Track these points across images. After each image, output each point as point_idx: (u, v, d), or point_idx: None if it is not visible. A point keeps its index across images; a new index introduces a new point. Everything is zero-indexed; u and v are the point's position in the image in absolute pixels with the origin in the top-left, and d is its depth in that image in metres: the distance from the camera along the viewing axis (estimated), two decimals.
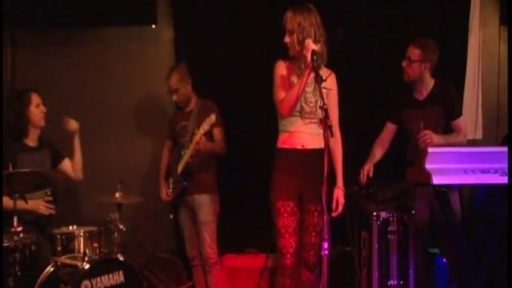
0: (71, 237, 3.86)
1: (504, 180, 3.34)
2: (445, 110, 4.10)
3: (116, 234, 3.96)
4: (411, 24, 4.67)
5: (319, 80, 3.24)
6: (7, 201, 3.64)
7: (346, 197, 3.65)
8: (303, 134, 3.57)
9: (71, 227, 3.99)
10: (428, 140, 3.86)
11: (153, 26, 4.99)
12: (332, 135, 3.15)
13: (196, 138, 4.06)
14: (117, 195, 4.04)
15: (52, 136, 4.26)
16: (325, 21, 3.55)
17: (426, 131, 3.90)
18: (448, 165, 3.39)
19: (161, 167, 4.58)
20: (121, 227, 3.96)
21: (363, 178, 4.20)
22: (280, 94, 3.55)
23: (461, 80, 4.62)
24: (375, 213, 3.99)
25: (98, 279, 3.64)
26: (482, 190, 4.14)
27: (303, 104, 3.53)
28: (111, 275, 3.70)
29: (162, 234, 4.96)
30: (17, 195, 3.59)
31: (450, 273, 4.05)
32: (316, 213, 3.57)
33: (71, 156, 4.21)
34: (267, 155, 3.74)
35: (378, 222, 3.98)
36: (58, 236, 3.84)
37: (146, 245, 4.90)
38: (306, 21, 3.46)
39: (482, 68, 4.68)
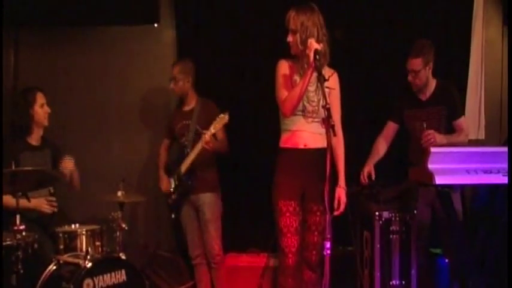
0: (73, 236, 3.87)
1: (506, 180, 3.33)
2: (447, 110, 4.11)
3: (118, 233, 3.96)
4: (414, 24, 4.67)
5: (321, 79, 3.24)
6: (10, 200, 3.64)
7: (348, 196, 3.65)
8: (306, 133, 3.57)
9: (73, 226, 4.00)
10: (432, 140, 3.86)
11: (156, 25, 4.99)
12: (335, 135, 3.15)
13: (207, 137, 4.06)
14: (119, 194, 4.04)
15: (53, 135, 4.27)
16: (328, 20, 3.55)
17: (429, 131, 3.90)
18: (450, 165, 3.39)
19: (159, 164, 4.57)
20: (123, 225, 3.96)
21: (364, 179, 4.20)
22: (283, 93, 3.55)
23: (464, 80, 4.63)
24: (377, 213, 3.98)
25: (100, 277, 3.64)
26: (484, 190, 4.13)
27: (305, 103, 3.53)
28: (113, 274, 3.70)
29: (164, 233, 4.97)
30: (20, 193, 3.59)
31: (452, 273, 4.05)
32: (318, 213, 3.57)
33: (71, 182, 4.20)
34: (269, 154, 3.73)
35: (380, 222, 3.98)
36: (60, 235, 3.85)
37: (148, 243, 4.91)
38: (309, 21, 3.46)
39: (485, 68, 4.68)
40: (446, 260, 4.10)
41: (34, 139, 4.09)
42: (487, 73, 4.69)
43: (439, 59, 4.16)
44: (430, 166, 3.38)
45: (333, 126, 3.11)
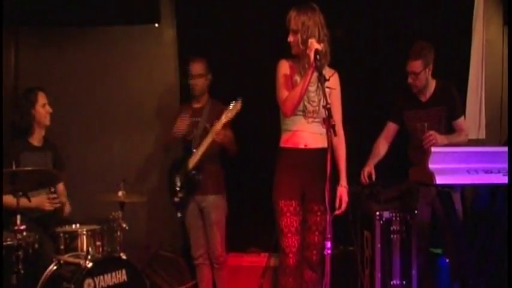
0: (74, 236, 3.87)
1: (507, 180, 3.33)
2: (447, 111, 4.11)
3: (118, 233, 3.95)
4: (414, 23, 4.67)
5: (322, 79, 3.25)
6: (11, 200, 3.64)
7: (350, 195, 3.65)
8: (306, 133, 3.57)
9: (74, 226, 4.00)
10: (434, 141, 3.86)
11: (156, 25, 4.99)
12: (335, 135, 3.15)
13: (218, 127, 4.05)
14: (120, 193, 4.04)
15: (54, 135, 4.27)
16: (328, 20, 3.55)
17: (431, 132, 3.91)
18: (450, 165, 3.40)
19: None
20: (124, 225, 3.95)
21: (365, 179, 4.20)
22: (283, 93, 3.55)
23: (464, 79, 4.63)
24: (377, 213, 3.98)
25: (101, 277, 3.64)
26: (484, 190, 4.13)
27: (306, 103, 3.53)
28: (113, 274, 3.70)
29: (165, 233, 4.97)
30: (20, 193, 3.59)
31: (453, 273, 4.04)
32: (319, 213, 3.57)
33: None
34: (270, 154, 3.73)
35: (381, 222, 3.98)
36: (61, 235, 3.85)
37: (149, 243, 4.91)
38: (310, 21, 3.46)
39: (486, 67, 4.68)
40: (447, 260, 4.10)
41: (36, 139, 4.09)
42: (488, 72, 4.69)
43: (439, 58, 4.16)
44: (431, 166, 3.39)
45: (333, 126, 3.11)
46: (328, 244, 3.10)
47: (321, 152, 3.39)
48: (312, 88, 3.53)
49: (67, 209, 4.15)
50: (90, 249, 3.75)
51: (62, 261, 3.73)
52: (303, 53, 3.45)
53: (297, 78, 3.55)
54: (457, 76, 4.59)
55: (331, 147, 3.15)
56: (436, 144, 3.81)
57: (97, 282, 3.62)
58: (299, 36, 3.48)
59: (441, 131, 4.04)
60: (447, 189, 3.84)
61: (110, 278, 3.68)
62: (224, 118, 4.05)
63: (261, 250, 4.54)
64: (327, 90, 3.31)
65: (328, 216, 3.14)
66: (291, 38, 3.53)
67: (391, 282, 3.98)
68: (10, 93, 4.89)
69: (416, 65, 4.03)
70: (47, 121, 4.10)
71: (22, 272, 3.47)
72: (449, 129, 4.13)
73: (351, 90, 3.82)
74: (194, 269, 4.55)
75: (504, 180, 3.35)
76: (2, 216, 3.65)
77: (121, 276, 3.73)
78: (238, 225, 4.65)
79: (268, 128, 3.93)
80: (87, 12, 4.89)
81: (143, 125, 5.07)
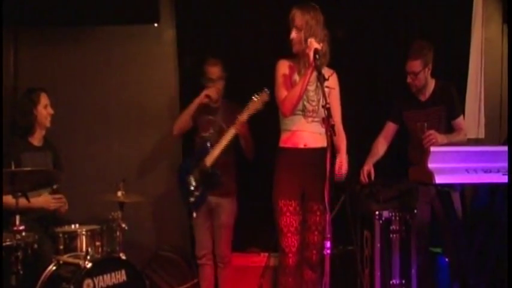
0: (73, 236, 3.87)
1: (506, 179, 3.33)
2: (446, 110, 4.11)
3: (118, 233, 3.95)
4: (413, 23, 4.66)
5: (321, 78, 3.25)
6: (10, 200, 3.64)
7: (348, 195, 3.65)
8: (305, 132, 3.57)
9: (73, 226, 4.00)
10: (434, 140, 3.86)
11: (156, 25, 4.99)
12: (334, 134, 3.15)
13: (242, 119, 3.99)
14: (120, 194, 4.03)
15: (54, 135, 4.27)
16: (328, 20, 3.55)
17: (431, 131, 3.91)
18: (450, 165, 3.39)
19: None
20: (123, 225, 3.95)
21: (364, 178, 4.20)
22: (282, 93, 3.55)
23: (463, 78, 4.62)
24: (377, 213, 3.99)
25: (100, 278, 3.64)
26: (484, 189, 4.13)
27: (305, 102, 3.54)
28: (113, 274, 3.70)
29: (165, 233, 4.96)
30: (19, 193, 3.59)
31: (452, 272, 4.04)
32: (318, 212, 3.57)
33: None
34: (269, 154, 3.73)
35: (380, 222, 3.99)
36: (60, 235, 3.85)
37: (148, 243, 4.91)
38: (313, 20, 3.48)
39: (485, 66, 4.67)
40: (447, 259, 4.10)
41: (36, 139, 4.09)
42: (487, 71, 4.68)
43: (438, 57, 4.16)
44: (430, 165, 3.38)
45: (333, 126, 3.11)
46: (328, 244, 3.10)
47: (321, 151, 3.39)
48: (311, 88, 3.53)
49: (64, 208, 4.15)
50: (89, 249, 3.75)
51: (61, 262, 3.73)
52: (304, 51, 3.45)
53: (296, 78, 3.56)
54: (457, 75, 4.58)
55: (330, 147, 3.15)
56: (436, 144, 3.81)
57: (96, 283, 3.61)
58: (302, 34, 3.47)
59: (441, 131, 4.03)
60: (447, 189, 3.83)
61: (109, 278, 3.68)
62: (251, 109, 3.99)
63: (261, 250, 4.54)
64: (326, 89, 3.32)
65: (327, 216, 3.14)
66: (294, 35, 3.52)
67: (391, 282, 3.99)
68: (10, 93, 4.88)
69: (415, 65, 4.03)
70: (47, 122, 4.10)
71: (21, 272, 3.47)
72: (448, 128, 4.13)
73: (350, 90, 3.82)
74: (194, 269, 4.54)
75: (503, 179, 3.35)
76: (2, 216, 3.65)
77: (120, 276, 3.73)
78: (238, 225, 4.65)
79: (268, 128, 3.93)
80: (87, 12, 4.88)
81: (143, 124, 5.06)
